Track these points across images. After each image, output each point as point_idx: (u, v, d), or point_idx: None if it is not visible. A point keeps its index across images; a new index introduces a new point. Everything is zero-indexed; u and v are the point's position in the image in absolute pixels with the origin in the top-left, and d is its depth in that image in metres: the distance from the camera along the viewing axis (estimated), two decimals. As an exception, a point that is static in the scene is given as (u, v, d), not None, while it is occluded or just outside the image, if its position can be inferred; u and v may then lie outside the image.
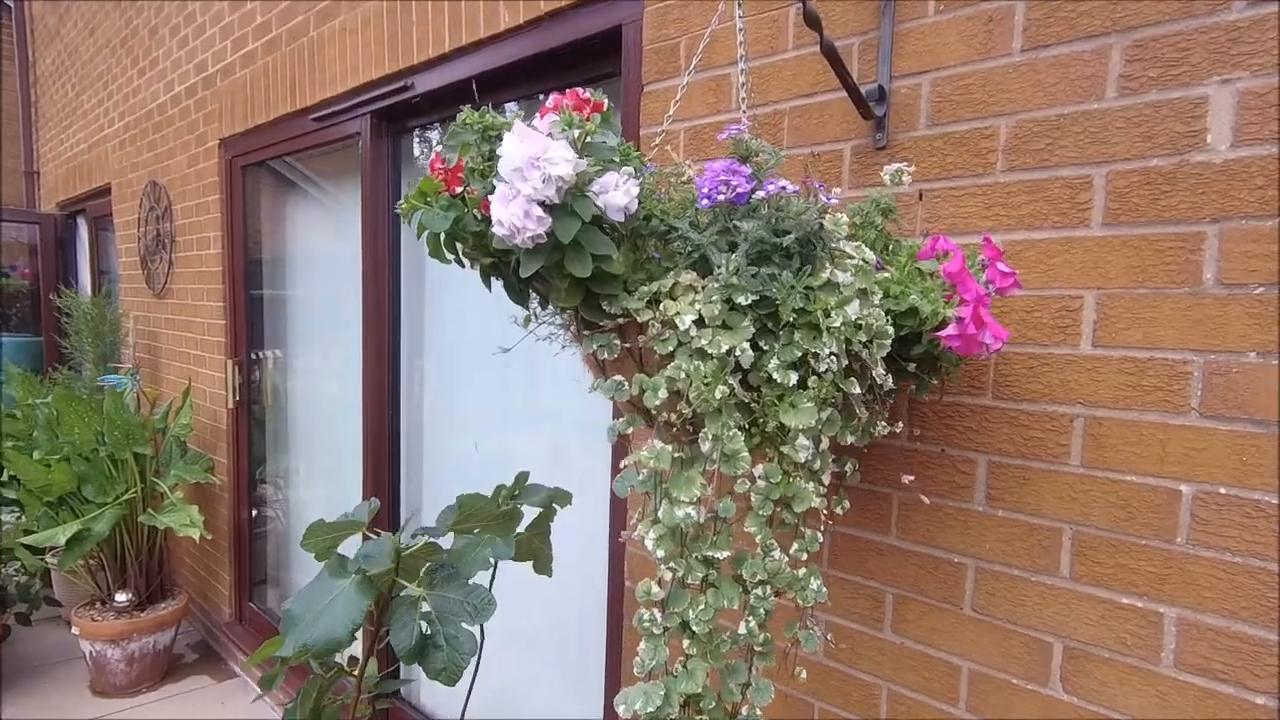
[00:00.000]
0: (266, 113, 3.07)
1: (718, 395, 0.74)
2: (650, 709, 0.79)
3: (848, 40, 1.31)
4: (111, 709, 3.22)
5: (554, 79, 1.99)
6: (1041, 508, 1.12)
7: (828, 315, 0.75)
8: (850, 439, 0.84)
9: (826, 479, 0.86)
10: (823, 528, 0.88)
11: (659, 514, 0.80)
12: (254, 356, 3.57)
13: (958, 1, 1.18)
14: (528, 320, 0.98)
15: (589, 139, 0.77)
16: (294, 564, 3.56)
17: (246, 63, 3.20)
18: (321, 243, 3.33)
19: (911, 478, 1.01)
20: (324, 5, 2.69)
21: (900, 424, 1.23)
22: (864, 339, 0.76)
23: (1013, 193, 1.13)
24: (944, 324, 0.81)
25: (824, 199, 0.78)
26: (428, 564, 1.00)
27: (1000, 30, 1.14)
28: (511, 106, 2.14)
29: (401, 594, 0.97)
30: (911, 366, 0.90)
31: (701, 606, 0.78)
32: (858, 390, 0.79)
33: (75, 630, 3.28)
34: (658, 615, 0.80)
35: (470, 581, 0.99)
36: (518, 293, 0.90)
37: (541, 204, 0.68)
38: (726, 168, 0.77)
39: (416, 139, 2.60)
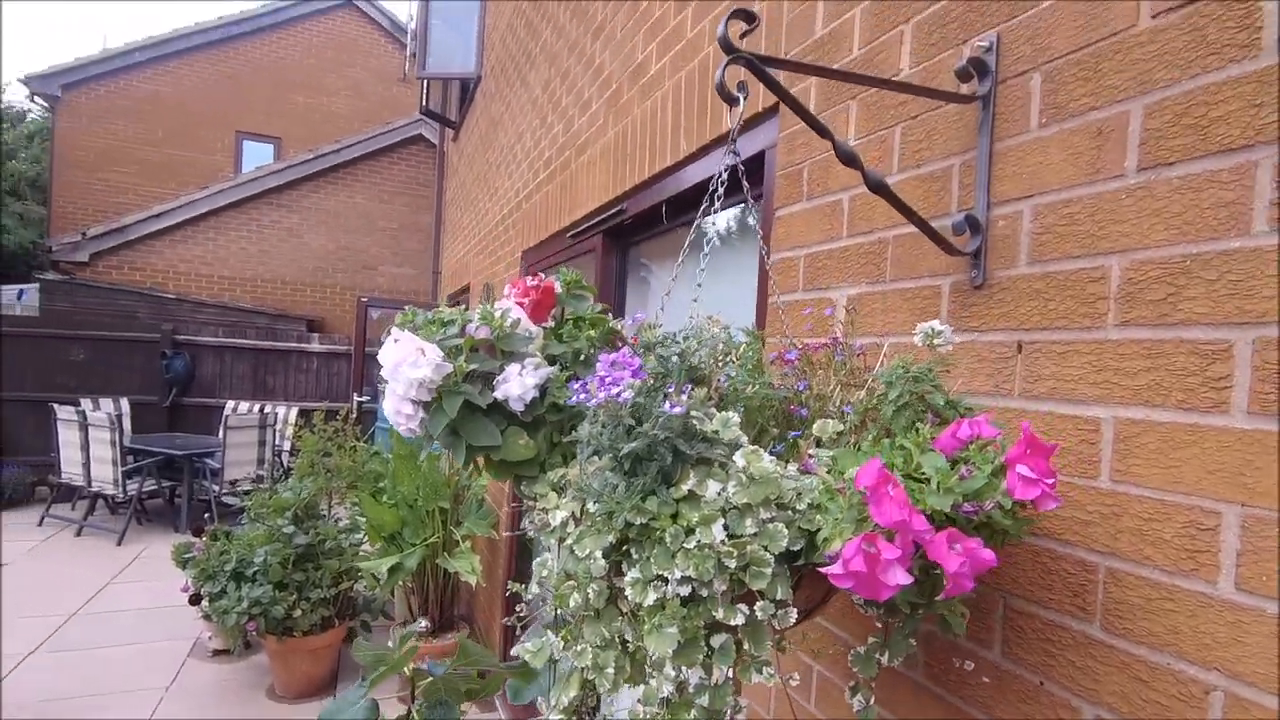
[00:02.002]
0: (545, 231, 3.66)
1: (573, 602, 0.71)
2: None
3: (946, 162, 1.13)
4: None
5: (724, 199, 2.04)
6: (1165, 810, 0.77)
7: (690, 533, 0.67)
8: (757, 677, 0.71)
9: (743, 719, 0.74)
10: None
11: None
12: (531, 432, 4.16)
13: (1064, 111, 0.94)
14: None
15: (504, 332, 0.82)
16: (546, 621, 3.97)
17: (537, 190, 3.86)
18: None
19: None
20: (581, 140, 3.15)
21: (968, 663, 0.97)
22: (735, 565, 0.65)
23: (1126, 355, 0.85)
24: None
25: (668, 407, 0.69)
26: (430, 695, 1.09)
27: (1111, 144, 0.88)
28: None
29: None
30: (858, 598, 0.72)
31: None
32: (739, 621, 0.67)
33: (390, 644, 4.10)
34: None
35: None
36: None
37: (414, 401, 0.75)
38: (615, 360, 0.74)
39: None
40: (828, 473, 0.75)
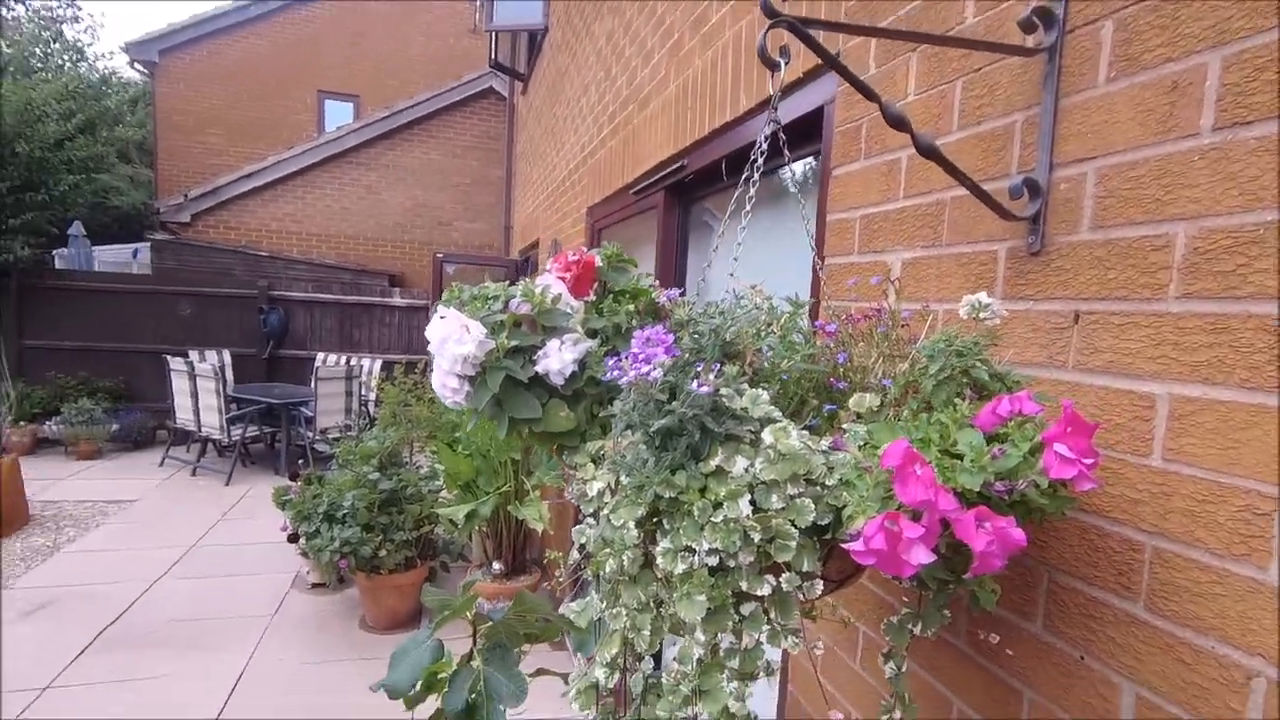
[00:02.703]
0: (609, 187, 3.66)
1: (609, 567, 0.75)
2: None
3: (1009, 119, 1.07)
4: (484, 649, 4.20)
5: (780, 156, 1.99)
6: (1202, 790, 0.77)
7: (718, 507, 0.70)
8: (784, 643, 0.73)
9: (774, 679, 0.77)
10: None
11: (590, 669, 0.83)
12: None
13: (1136, 64, 0.88)
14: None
15: (544, 308, 0.85)
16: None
17: (601, 146, 3.85)
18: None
19: None
20: (644, 94, 3.10)
21: (994, 636, 0.96)
22: (761, 538, 0.68)
23: (1187, 329, 0.80)
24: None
25: (695, 386, 0.70)
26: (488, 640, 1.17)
27: (1186, 101, 0.82)
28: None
29: (470, 664, 1.17)
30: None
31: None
32: (766, 591, 0.70)
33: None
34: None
35: (517, 668, 1.14)
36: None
37: (460, 375, 0.80)
38: (649, 336, 0.76)
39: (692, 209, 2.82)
40: (859, 448, 0.76)
